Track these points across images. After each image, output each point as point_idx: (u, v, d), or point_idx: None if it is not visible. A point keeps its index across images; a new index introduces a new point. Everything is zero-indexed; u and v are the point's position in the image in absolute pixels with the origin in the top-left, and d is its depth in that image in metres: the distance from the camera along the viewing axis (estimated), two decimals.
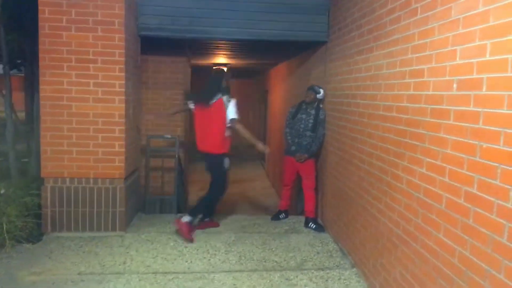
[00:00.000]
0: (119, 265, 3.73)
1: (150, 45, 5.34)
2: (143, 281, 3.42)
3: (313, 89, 4.93)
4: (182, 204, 6.13)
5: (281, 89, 9.40)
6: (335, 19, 4.67)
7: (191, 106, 4.62)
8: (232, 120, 4.41)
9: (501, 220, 1.80)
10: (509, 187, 1.76)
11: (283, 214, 5.26)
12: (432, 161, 2.39)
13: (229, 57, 8.67)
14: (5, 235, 3.94)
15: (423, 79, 2.54)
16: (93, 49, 4.23)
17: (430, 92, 2.44)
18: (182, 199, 6.15)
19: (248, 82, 17.35)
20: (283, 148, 5.24)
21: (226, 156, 4.57)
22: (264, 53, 7.54)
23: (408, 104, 2.73)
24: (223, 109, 4.39)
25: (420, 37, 2.59)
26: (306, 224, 4.90)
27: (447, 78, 2.27)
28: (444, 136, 2.27)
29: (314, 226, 4.83)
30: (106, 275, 3.50)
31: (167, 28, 4.81)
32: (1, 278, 3.41)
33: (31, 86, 7.79)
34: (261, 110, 14.06)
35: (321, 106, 4.93)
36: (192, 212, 4.46)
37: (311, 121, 4.89)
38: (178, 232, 4.38)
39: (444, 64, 2.30)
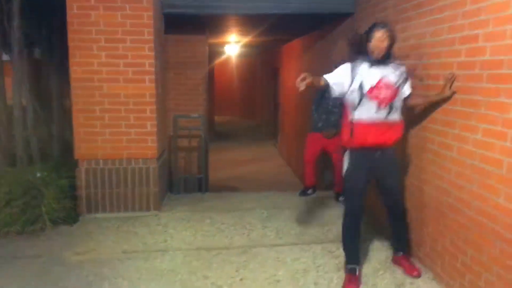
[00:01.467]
0: (161, 243, 3.78)
1: (169, 23, 5.27)
2: (188, 257, 3.47)
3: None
4: (206, 183, 6.18)
5: (295, 66, 9.32)
6: None
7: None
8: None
9: None
10: None
11: (311, 190, 5.28)
12: (491, 126, 2.37)
13: (243, 34, 8.58)
14: (45, 217, 3.98)
15: (477, 45, 2.50)
16: (122, 28, 4.19)
17: (487, 58, 2.41)
18: (207, 179, 6.19)
19: (256, 60, 17.20)
20: (301, 127, 5.22)
21: None
22: (281, 29, 7.43)
23: (459, 71, 2.70)
24: None
25: (472, 2, 2.55)
26: (337, 198, 4.93)
27: (507, 42, 2.23)
28: (505, 100, 2.25)
29: (341, 199, 4.87)
30: (151, 253, 3.55)
31: (192, 5, 4.76)
32: (47, 259, 3.45)
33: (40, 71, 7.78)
34: (270, 88, 13.99)
35: None
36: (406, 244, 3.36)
37: (340, 100, 4.85)
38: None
39: (503, 28, 2.26)
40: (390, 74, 2.91)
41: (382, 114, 2.86)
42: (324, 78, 2.93)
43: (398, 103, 2.93)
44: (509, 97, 2.22)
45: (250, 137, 14.77)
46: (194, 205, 4.83)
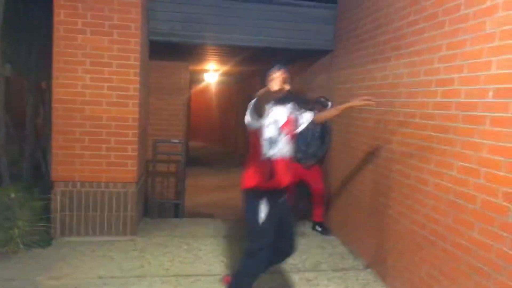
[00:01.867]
0: (138, 268, 3.73)
1: (153, 49, 5.35)
2: (166, 284, 3.43)
3: (321, 103, 4.99)
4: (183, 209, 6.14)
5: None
6: (343, 29, 4.84)
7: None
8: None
9: None
10: None
11: None
12: (465, 164, 2.54)
13: (222, 63, 8.75)
14: (18, 239, 3.86)
15: (452, 87, 2.70)
16: (108, 52, 4.23)
17: (462, 100, 2.60)
18: (183, 204, 6.15)
19: (233, 87, 17.41)
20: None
21: None
22: (264, 59, 7.64)
23: (434, 111, 2.88)
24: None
25: (448, 48, 2.76)
26: (314, 227, 5.02)
27: (481, 87, 2.43)
28: (479, 140, 2.43)
29: (321, 229, 4.96)
30: (128, 279, 3.50)
31: (179, 34, 4.86)
32: (21, 284, 3.34)
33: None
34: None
35: None
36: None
37: (318, 130, 5.02)
38: None
39: (477, 74, 2.46)
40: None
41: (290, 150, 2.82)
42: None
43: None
44: (483, 138, 2.40)
45: (224, 164, 14.75)
46: (171, 230, 4.79)
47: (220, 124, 19.08)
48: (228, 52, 6.98)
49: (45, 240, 4.16)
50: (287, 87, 2.77)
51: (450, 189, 2.69)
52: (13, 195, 4.11)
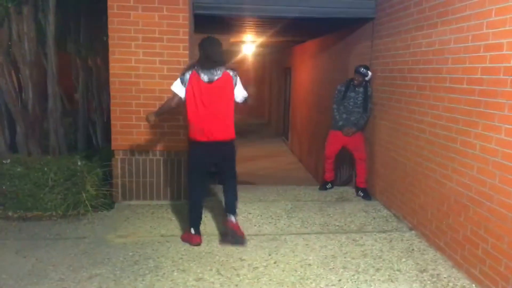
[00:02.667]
0: None
1: (196, 23, 5.51)
2: (222, 242, 3.73)
3: (361, 73, 5.06)
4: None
5: (309, 67, 9.57)
6: None
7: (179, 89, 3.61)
8: (246, 97, 3.77)
9: None
10: None
11: (330, 184, 5.55)
12: None
13: (258, 34, 8.83)
14: (87, 202, 4.26)
15: (501, 52, 2.76)
16: (159, 28, 4.45)
17: (510, 64, 2.67)
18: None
19: (267, 59, 17.45)
20: (316, 125, 5.45)
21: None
22: (301, 29, 7.67)
23: (483, 76, 2.95)
24: (231, 86, 3.62)
25: (497, 14, 2.80)
26: (357, 193, 5.21)
27: None
28: None
29: (363, 194, 5.14)
30: None
31: (222, 7, 5.01)
32: (93, 241, 3.73)
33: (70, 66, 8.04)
34: (280, 87, 14.25)
35: (368, 84, 5.14)
36: (234, 210, 3.78)
37: (360, 98, 5.12)
38: (236, 235, 3.67)
39: None
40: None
41: None
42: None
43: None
44: None
45: (259, 134, 15.03)
46: (221, 195, 5.08)
47: (254, 96, 19.23)
48: (266, 23, 7.06)
49: (109, 204, 4.55)
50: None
51: (497, 151, 2.79)
52: (79, 163, 4.49)
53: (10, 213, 4.27)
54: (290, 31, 8.16)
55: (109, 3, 4.39)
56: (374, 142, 5.14)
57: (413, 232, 4.01)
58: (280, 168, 9.72)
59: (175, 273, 3.16)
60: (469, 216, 3.12)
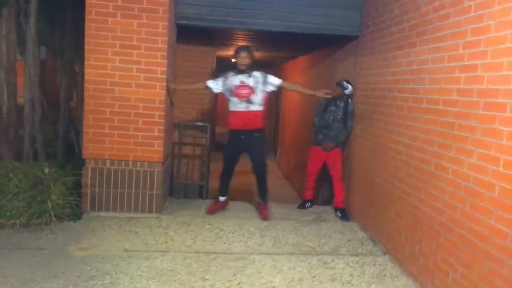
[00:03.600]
0: (161, 244, 3.89)
1: (180, 34, 5.44)
2: (187, 259, 3.58)
3: (341, 85, 5.04)
4: (207, 191, 6.31)
5: (298, 82, 9.51)
6: (370, 14, 4.79)
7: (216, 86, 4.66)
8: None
9: None
10: None
11: (309, 203, 5.42)
12: (485, 151, 2.53)
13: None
14: (51, 212, 4.09)
15: (475, 74, 2.67)
16: (137, 35, 4.35)
17: (484, 86, 2.58)
18: (207, 186, 6.31)
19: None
20: (302, 141, 5.39)
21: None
22: (287, 45, 7.65)
23: (458, 98, 2.86)
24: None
25: (472, 34, 2.73)
26: (335, 212, 5.09)
27: (504, 73, 2.40)
28: (499, 127, 2.41)
29: (340, 214, 5.01)
30: (152, 253, 3.66)
31: (205, 18, 4.92)
32: (52, 253, 3.56)
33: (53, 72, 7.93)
34: (271, 102, 14.19)
35: (350, 99, 5.07)
36: (266, 197, 4.83)
37: (340, 113, 5.04)
38: (260, 215, 4.75)
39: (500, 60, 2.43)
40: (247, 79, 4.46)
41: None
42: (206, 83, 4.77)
43: (255, 98, 4.43)
44: (504, 125, 2.38)
45: None
46: (195, 210, 4.94)
47: None
48: (255, 37, 7.02)
49: (76, 214, 4.37)
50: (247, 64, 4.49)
51: (469, 176, 2.69)
52: (47, 170, 4.33)
53: None
54: (280, 47, 8.13)
55: (87, 8, 4.30)
56: (354, 161, 5.03)
57: (387, 256, 3.87)
58: None
59: None
60: (440, 242, 2.99)
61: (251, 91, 4.42)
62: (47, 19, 6.24)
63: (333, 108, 5.09)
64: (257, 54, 9.59)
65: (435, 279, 3.02)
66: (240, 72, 4.48)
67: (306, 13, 5.04)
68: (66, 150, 6.51)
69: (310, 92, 4.93)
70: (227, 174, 4.80)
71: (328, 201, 5.93)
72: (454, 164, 2.86)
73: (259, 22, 5.05)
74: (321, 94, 4.62)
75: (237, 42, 7.59)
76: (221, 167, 4.82)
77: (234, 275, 3.34)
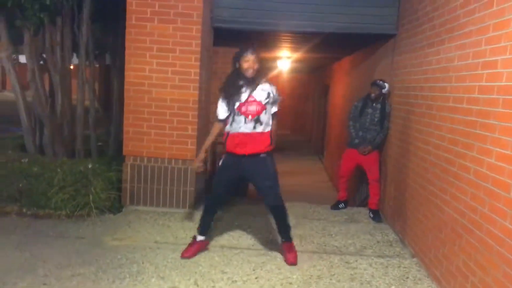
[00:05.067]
0: (190, 238, 4.02)
1: (221, 36, 5.62)
2: (211, 253, 3.71)
3: (378, 85, 4.97)
4: (245, 188, 6.46)
5: (343, 84, 9.41)
6: (405, 12, 4.68)
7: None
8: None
9: None
10: None
11: (342, 204, 5.37)
12: (502, 151, 2.42)
13: (293, 50, 8.83)
14: (92, 204, 4.41)
15: (496, 70, 2.56)
16: (173, 39, 4.58)
17: (503, 83, 2.47)
18: (246, 185, 6.43)
19: (309, 76, 17.41)
20: (345, 142, 5.33)
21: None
22: (329, 46, 7.59)
23: (479, 95, 2.75)
24: None
25: (494, 29, 2.61)
26: (368, 213, 5.01)
27: None
28: None
29: (373, 215, 4.93)
30: (179, 245, 3.83)
31: (239, 21, 5.08)
32: (89, 241, 3.85)
33: (108, 75, 8.45)
34: (321, 105, 14.10)
35: (386, 100, 4.97)
36: (289, 235, 3.68)
37: (377, 115, 4.95)
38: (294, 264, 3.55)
39: None
40: (258, 91, 3.40)
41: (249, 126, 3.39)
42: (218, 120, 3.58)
43: (264, 117, 3.41)
44: None
45: (298, 151, 14.90)
46: (228, 208, 5.07)
47: (296, 112, 19.17)
48: (296, 39, 7.05)
49: (116, 207, 4.69)
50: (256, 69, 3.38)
51: (488, 176, 2.57)
52: (90, 165, 4.68)
53: (24, 210, 4.51)
54: (321, 48, 8.08)
55: (128, 14, 4.59)
56: (388, 163, 4.92)
57: (414, 259, 3.77)
58: (309, 185, 9.56)
59: (153, 280, 3.18)
60: (462, 245, 2.88)
61: (262, 107, 3.38)
62: (101, 26, 6.68)
63: (370, 110, 5.02)
64: (305, 55, 9.61)
65: (456, 283, 2.92)
66: (247, 82, 3.38)
67: (340, 12, 5.04)
68: (117, 149, 6.93)
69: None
70: (214, 206, 3.67)
71: (364, 203, 5.83)
72: (476, 164, 2.75)
73: (293, 23, 5.11)
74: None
75: (279, 43, 7.66)
76: (207, 199, 3.82)
77: (254, 269, 3.43)
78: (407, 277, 3.41)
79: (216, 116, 3.56)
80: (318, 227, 4.53)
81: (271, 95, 3.44)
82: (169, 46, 4.59)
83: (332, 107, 11.03)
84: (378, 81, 5.00)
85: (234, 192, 5.14)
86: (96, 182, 4.56)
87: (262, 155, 3.44)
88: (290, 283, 3.22)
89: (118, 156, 6.25)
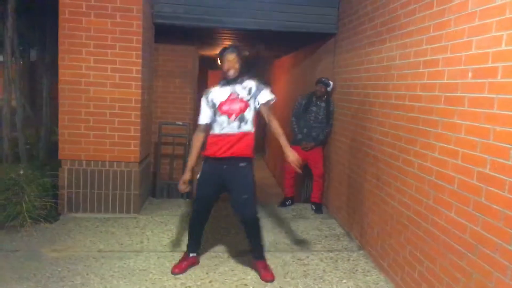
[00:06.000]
0: (137, 244, 3.88)
1: (161, 33, 5.43)
2: (161, 259, 3.57)
3: (323, 82, 5.07)
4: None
5: (284, 81, 9.53)
6: (345, 11, 4.81)
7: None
8: None
9: None
10: None
11: (289, 201, 5.43)
12: (445, 145, 2.55)
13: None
14: (25, 214, 4.06)
15: (437, 68, 2.69)
16: (111, 35, 4.34)
17: (445, 81, 2.60)
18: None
19: (251, 73, 17.45)
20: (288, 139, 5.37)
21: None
22: (271, 44, 7.65)
23: (421, 93, 2.89)
24: None
25: (435, 29, 2.75)
26: (310, 206, 5.15)
27: (462, 67, 2.42)
28: (458, 121, 2.43)
29: (315, 208, 5.09)
30: (126, 253, 3.65)
31: (181, 17, 4.92)
32: (25, 255, 3.54)
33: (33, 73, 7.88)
34: None
35: (330, 97, 5.08)
36: (262, 253, 3.46)
37: (321, 113, 5.06)
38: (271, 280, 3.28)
39: (459, 54, 2.46)
40: (239, 89, 3.25)
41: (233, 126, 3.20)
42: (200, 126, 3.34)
43: (249, 115, 3.23)
44: (462, 119, 2.40)
45: None
46: (175, 210, 4.94)
47: None
48: (237, 36, 7.01)
49: (52, 216, 4.35)
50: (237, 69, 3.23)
51: (432, 170, 2.71)
52: (21, 171, 4.31)
53: None
54: (262, 45, 8.13)
55: (60, 8, 4.28)
56: (332, 158, 5.05)
57: (361, 252, 3.89)
58: None
59: None
60: (408, 236, 3.01)
61: (245, 104, 3.21)
62: (28, 20, 6.18)
63: (314, 108, 5.10)
64: (244, 53, 9.61)
65: (404, 273, 3.04)
66: (228, 82, 3.25)
67: (282, 10, 5.06)
68: (48, 152, 6.47)
69: (283, 143, 3.33)
70: (199, 221, 3.43)
71: (307, 199, 5.94)
72: (419, 158, 2.88)
73: (236, 21, 5.06)
74: (290, 159, 3.28)
75: (220, 41, 7.58)
76: (190, 214, 3.51)
77: (207, 273, 3.35)
78: (356, 270, 3.51)
79: (199, 125, 3.32)
80: (268, 225, 4.52)
81: (253, 89, 3.25)
82: (107, 42, 4.34)
83: (274, 104, 11.12)
84: (323, 79, 5.10)
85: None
86: (30, 189, 4.21)
87: (241, 164, 3.22)
88: (245, 285, 3.18)
89: (50, 160, 5.87)
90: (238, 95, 3.23)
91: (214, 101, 3.24)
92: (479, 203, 2.22)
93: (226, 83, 3.26)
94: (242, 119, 3.20)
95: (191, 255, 3.48)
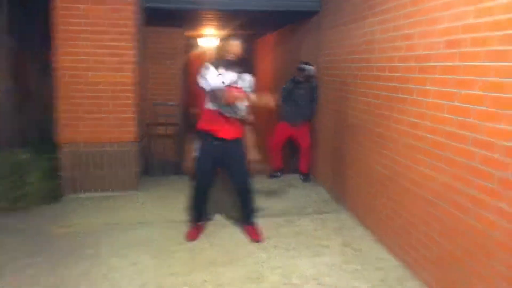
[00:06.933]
0: (140, 217, 4.15)
1: (150, 16, 5.58)
2: (164, 228, 3.85)
3: (301, 69, 5.30)
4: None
5: (268, 60, 9.73)
6: None
7: None
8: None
9: (474, 149, 2.31)
10: (480, 122, 2.26)
11: (279, 173, 5.74)
12: (418, 109, 2.86)
13: (219, 28, 8.92)
14: (30, 196, 4.27)
15: (413, 42, 2.98)
16: (107, 20, 4.49)
17: (419, 53, 2.89)
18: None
19: None
20: (268, 115, 5.62)
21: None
22: (256, 23, 7.81)
23: (399, 64, 3.18)
24: None
25: (412, 5, 3.02)
26: (299, 176, 5.53)
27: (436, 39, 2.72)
28: (429, 88, 2.74)
29: (303, 177, 5.41)
30: (131, 225, 3.92)
31: (171, 0, 5.09)
32: (33, 232, 3.74)
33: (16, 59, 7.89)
34: None
35: (313, 78, 5.34)
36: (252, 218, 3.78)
37: (307, 94, 5.34)
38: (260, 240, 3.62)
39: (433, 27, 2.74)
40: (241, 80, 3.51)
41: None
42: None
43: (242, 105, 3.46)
44: (432, 85, 2.71)
45: None
46: (170, 185, 5.18)
47: None
48: (221, 17, 7.16)
49: (56, 197, 4.57)
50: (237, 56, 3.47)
51: (408, 132, 3.02)
52: (24, 155, 4.50)
53: None
54: (248, 25, 8.28)
55: None
56: (321, 130, 5.35)
57: (348, 213, 4.24)
58: None
59: (112, 259, 3.25)
60: (389, 195, 3.35)
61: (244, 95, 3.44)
62: (18, 8, 6.22)
63: (301, 91, 5.37)
64: (228, 33, 9.74)
65: (387, 227, 3.39)
66: (229, 65, 3.45)
67: None
68: (40, 138, 6.61)
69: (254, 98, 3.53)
70: (201, 196, 3.66)
71: (295, 170, 6.25)
72: (397, 123, 3.19)
73: (223, 2, 5.24)
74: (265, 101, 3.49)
75: (205, 22, 7.72)
76: (192, 190, 3.70)
77: (207, 238, 3.64)
78: (344, 227, 3.86)
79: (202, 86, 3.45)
80: (261, 196, 4.77)
81: (247, 84, 3.57)
82: (103, 28, 4.50)
83: (258, 82, 11.32)
84: (301, 65, 5.31)
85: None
86: (33, 173, 4.41)
87: (239, 139, 3.55)
88: (245, 244, 3.50)
89: (43, 146, 6.03)
90: (237, 84, 3.46)
91: (221, 81, 3.40)
92: (446, 157, 2.55)
93: (227, 66, 3.45)
94: (236, 107, 3.45)
95: (199, 223, 3.77)
